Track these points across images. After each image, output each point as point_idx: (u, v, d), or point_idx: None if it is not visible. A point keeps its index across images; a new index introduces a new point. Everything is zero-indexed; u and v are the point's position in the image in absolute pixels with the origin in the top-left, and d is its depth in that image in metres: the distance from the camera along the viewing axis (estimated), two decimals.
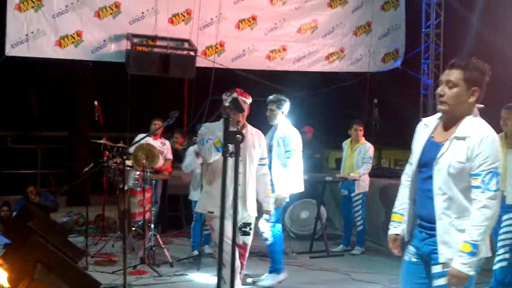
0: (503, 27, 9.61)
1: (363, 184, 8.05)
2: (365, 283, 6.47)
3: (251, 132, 5.06)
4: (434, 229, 3.07)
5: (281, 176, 6.30)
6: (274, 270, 6.34)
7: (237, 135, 3.49)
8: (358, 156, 8.12)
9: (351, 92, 11.78)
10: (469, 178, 3.00)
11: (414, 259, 3.23)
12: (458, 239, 2.98)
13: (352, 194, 8.07)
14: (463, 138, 3.02)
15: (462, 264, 2.94)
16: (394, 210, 3.44)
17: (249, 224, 5.06)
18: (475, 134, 3.00)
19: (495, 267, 5.66)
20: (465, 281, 2.96)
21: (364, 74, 11.79)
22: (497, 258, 5.66)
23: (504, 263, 5.63)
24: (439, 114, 3.24)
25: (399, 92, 11.19)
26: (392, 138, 10.84)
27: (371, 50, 11.80)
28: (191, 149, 7.56)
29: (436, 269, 3.09)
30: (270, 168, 6.15)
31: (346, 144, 8.39)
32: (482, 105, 3.17)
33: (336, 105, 11.76)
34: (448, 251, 3.01)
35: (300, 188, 6.51)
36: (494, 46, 9.43)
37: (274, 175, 6.20)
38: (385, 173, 9.69)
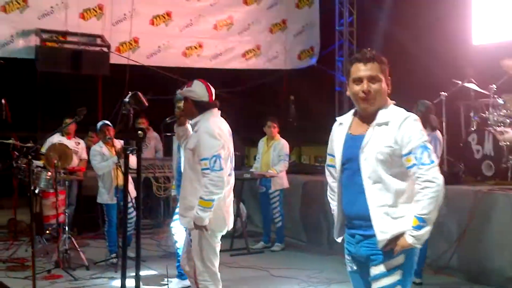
0: (411, 25, 9.99)
1: (280, 181, 8.11)
2: (284, 279, 6.52)
3: (193, 130, 4.49)
4: (369, 227, 2.96)
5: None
6: (181, 274, 6.14)
7: (139, 131, 3.35)
8: (274, 152, 8.18)
9: (268, 90, 11.88)
10: (400, 162, 2.93)
11: (355, 267, 3.13)
12: (395, 227, 2.91)
13: (269, 191, 8.12)
14: (385, 123, 2.95)
15: (410, 236, 2.88)
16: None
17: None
18: (396, 118, 2.96)
19: None
20: (404, 247, 2.93)
21: (281, 71, 11.92)
22: None
23: None
24: (352, 111, 3.16)
25: (315, 89, 11.40)
26: (311, 134, 11.02)
27: (287, 48, 11.98)
28: (97, 149, 7.34)
29: (377, 269, 2.99)
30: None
31: (262, 141, 8.44)
32: (392, 101, 3.13)
33: (254, 102, 11.82)
34: (386, 236, 2.92)
35: None
36: (403, 44, 9.80)
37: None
38: (305, 169, 9.82)
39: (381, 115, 2.99)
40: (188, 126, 4.62)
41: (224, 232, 4.52)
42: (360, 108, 3.05)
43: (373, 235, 2.95)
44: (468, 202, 6.26)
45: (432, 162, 2.88)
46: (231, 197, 4.54)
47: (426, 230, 2.89)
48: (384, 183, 2.93)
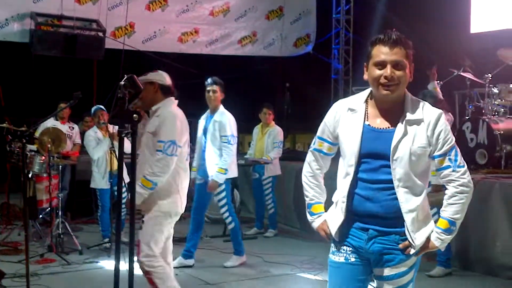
0: (408, 13, 9.95)
1: (273, 168, 8.14)
2: (277, 265, 6.54)
3: (154, 116, 4.42)
4: (388, 225, 2.78)
5: (215, 161, 6.31)
6: (238, 252, 6.54)
7: (134, 114, 3.32)
8: (268, 139, 8.20)
9: (264, 76, 11.86)
10: (425, 161, 2.78)
11: (352, 259, 2.88)
12: (425, 231, 2.79)
13: (262, 178, 8.14)
14: (417, 122, 2.75)
15: (438, 239, 2.78)
16: (315, 201, 3.02)
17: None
18: (428, 115, 2.77)
19: None
20: (430, 250, 2.84)
21: (276, 58, 11.88)
22: None
23: None
24: (363, 97, 2.88)
25: (310, 76, 11.38)
26: (305, 122, 11.01)
27: (283, 35, 11.93)
28: (91, 133, 7.35)
29: (393, 270, 2.82)
30: (203, 152, 6.38)
31: (257, 128, 8.46)
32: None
33: (249, 89, 11.79)
34: (419, 241, 2.78)
35: (234, 173, 6.54)
36: (400, 32, 9.75)
37: (208, 160, 6.31)
38: (299, 156, 9.79)
39: (410, 110, 2.78)
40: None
41: (178, 217, 4.52)
42: (380, 95, 2.78)
43: (391, 233, 2.79)
44: None
45: (465, 165, 2.78)
46: (187, 182, 4.57)
47: (454, 234, 2.81)
48: (413, 185, 2.75)
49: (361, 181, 2.81)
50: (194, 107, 10.84)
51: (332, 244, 2.97)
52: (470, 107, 8.26)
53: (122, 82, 4.10)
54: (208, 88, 6.42)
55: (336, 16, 11.80)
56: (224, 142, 6.30)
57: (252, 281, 6.04)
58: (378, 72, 2.75)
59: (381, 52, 2.74)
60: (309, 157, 3.06)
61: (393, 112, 2.80)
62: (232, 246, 6.63)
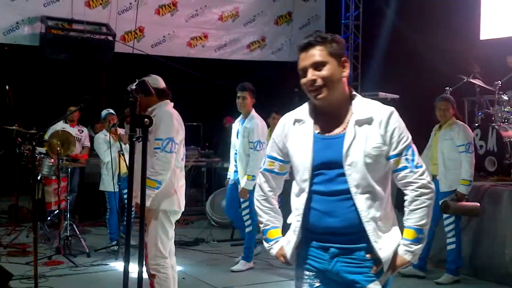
0: (417, 19, 9.94)
1: None
2: (283, 270, 6.51)
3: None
4: (350, 241, 2.52)
5: (245, 166, 6.37)
6: (246, 257, 6.59)
7: (145, 119, 3.33)
8: None
9: (272, 82, 11.85)
10: (383, 165, 2.53)
11: (316, 284, 2.60)
12: (391, 243, 2.53)
13: None
14: (368, 122, 2.51)
15: (408, 251, 2.51)
16: (271, 226, 2.77)
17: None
18: (378, 112, 2.53)
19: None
20: (403, 266, 2.57)
21: (285, 63, 11.89)
22: None
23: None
24: (311, 106, 2.66)
25: None
26: None
27: (292, 40, 11.93)
28: (101, 136, 7.41)
29: None
30: (236, 155, 6.49)
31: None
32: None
33: (257, 94, 11.77)
34: (386, 253, 2.51)
35: None
36: (409, 38, 9.75)
37: (238, 164, 6.42)
38: None
39: (358, 110, 2.55)
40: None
41: (178, 216, 4.54)
42: (315, 102, 2.58)
43: (355, 250, 2.52)
44: (470, 197, 6.24)
45: (423, 165, 2.56)
46: (183, 181, 4.60)
47: (424, 242, 2.56)
48: (372, 191, 2.50)
49: (317, 194, 2.56)
50: (201, 111, 10.94)
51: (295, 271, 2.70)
52: (480, 114, 8.24)
53: (134, 86, 4.14)
54: (238, 95, 6.48)
55: (345, 21, 11.80)
56: (251, 148, 6.34)
57: (260, 286, 6.03)
58: (303, 80, 2.56)
59: (301, 60, 2.58)
60: (260, 178, 2.82)
61: (341, 115, 2.57)
62: (243, 250, 6.65)
